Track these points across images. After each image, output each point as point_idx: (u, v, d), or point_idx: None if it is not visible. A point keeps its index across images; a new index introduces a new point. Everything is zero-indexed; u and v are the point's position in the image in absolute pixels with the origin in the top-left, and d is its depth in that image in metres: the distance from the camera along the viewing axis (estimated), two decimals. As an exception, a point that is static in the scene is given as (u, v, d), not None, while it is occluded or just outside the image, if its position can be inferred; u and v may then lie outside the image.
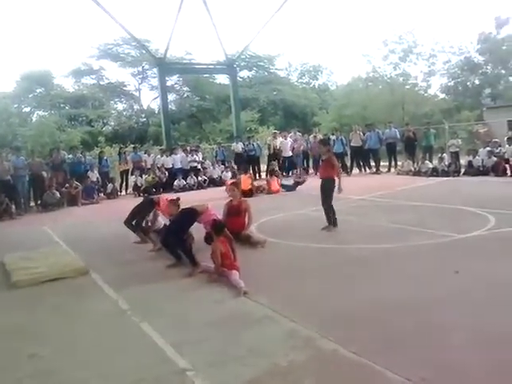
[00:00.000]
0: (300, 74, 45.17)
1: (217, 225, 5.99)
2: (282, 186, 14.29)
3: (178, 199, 7.50)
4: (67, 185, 14.64)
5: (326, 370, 3.39)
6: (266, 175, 15.91)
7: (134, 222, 7.84)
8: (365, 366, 3.37)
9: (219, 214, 7.18)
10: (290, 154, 18.21)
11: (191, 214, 6.64)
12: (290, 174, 17.66)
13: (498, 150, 14.89)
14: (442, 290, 4.75)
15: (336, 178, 8.02)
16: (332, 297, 4.83)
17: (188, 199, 6.48)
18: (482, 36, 29.12)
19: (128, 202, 9.11)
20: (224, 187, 13.06)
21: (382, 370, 3.27)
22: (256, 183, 14.39)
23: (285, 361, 3.53)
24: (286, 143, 18.30)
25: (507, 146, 14.79)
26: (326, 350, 3.67)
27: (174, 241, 6.41)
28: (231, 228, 7.63)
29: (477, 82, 30.28)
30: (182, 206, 7.09)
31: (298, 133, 19.59)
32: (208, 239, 6.09)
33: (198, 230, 6.89)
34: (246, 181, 13.32)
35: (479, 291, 4.68)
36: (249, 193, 12.74)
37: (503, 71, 29.42)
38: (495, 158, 14.55)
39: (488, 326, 3.86)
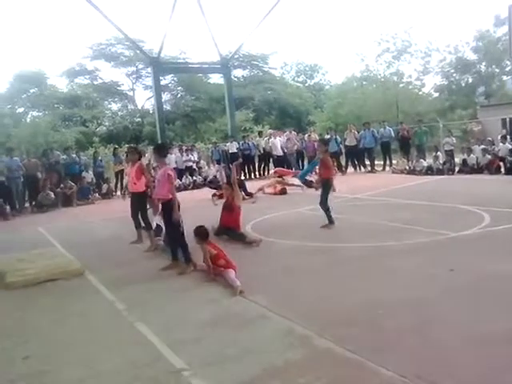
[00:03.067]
0: (296, 72, 45.17)
1: (199, 231, 5.89)
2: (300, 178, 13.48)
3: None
4: (62, 185, 14.60)
5: (321, 368, 3.40)
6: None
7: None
8: (360, 364, 3.38)
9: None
10: (281, 153, 18.12)
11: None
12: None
13: (491, 148, 14.96)
14: (437, 288, 4.76)
15: (330, 178, 8.11)
16: (328, 295, 4.84)
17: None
18: (478, 33, 29.09)
19: (123, 203, 9.07)
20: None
21: (378, 368, 3.28)
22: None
23: (281, 360, 3.53)
24: (276, 142, 18.19)
25: (501, 144, 14.87)
26: (322, 349, 3.68)
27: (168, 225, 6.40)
28: (224, 222, 7.73)
29: (470, 80, 30.36)
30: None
31: (293, 132, 19.52)
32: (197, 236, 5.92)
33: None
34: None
35: (474, 289, 4.70)
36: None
37: (497, 70, 29.52)
38: (489, 156, 14.62)
39: (483, 324, 3.88)
